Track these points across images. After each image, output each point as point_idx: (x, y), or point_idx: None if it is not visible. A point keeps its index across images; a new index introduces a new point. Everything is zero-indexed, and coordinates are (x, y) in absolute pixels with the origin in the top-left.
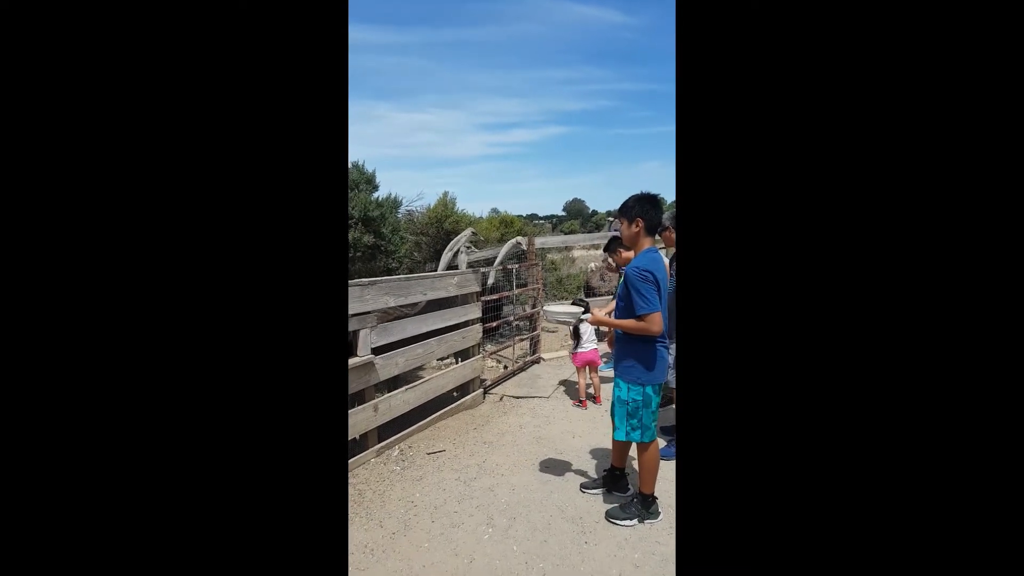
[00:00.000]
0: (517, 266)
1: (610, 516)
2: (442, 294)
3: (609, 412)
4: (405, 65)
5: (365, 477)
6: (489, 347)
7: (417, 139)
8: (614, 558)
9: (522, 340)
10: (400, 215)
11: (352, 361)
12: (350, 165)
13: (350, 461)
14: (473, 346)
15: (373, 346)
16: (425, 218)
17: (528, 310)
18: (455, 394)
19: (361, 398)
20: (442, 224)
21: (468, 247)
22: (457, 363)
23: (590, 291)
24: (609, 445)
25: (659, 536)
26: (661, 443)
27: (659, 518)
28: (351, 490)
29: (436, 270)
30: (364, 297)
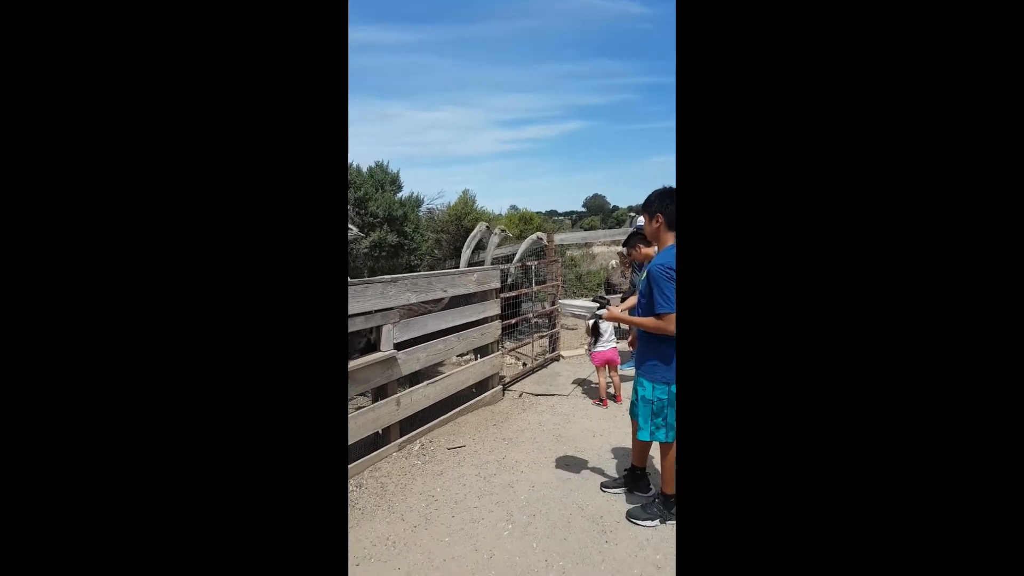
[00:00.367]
0: (536, 263)
1: (631, 516)
2: (462, 291)
3: (628, 411)
4: (418, 64)
5: (388, 470)
6: (508, 344)
7: (432, 137)
8: (635, 558)
9: (541, 337)
10: (421, 213)
11: (375, 356)
12: (374, 165)
13: (374, 454)
14: (492, 343)
15: (395, 341)
16: (446, 216)
17: (547, 307)
18: (474, 390)
19: (384, 392)
20: (462, 221)
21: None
22: (476, 359)
23: (611, 288)
24: (629, 444)
25: None
26: None
27: None
28: (374, 483)
29: (458, 267)
30: (387, 293)
